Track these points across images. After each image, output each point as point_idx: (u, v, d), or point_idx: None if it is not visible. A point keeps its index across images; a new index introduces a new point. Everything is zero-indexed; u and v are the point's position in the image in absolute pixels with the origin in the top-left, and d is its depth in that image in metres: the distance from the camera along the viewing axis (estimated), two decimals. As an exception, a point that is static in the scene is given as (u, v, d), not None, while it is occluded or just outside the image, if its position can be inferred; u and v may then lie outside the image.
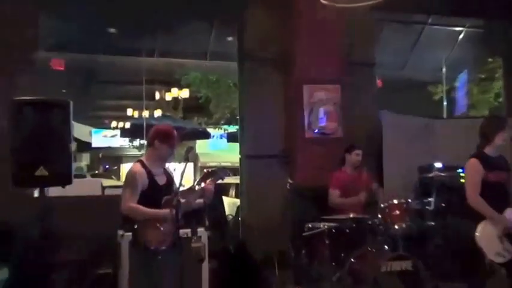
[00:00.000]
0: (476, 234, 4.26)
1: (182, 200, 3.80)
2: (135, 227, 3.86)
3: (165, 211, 3.84)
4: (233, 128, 19.63)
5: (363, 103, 7.00)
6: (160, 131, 4.14)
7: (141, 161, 4.07)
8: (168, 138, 4.06)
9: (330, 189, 6.04)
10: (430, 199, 5.52)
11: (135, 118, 20.29)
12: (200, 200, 4.05)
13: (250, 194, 6.72)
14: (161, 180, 4.06)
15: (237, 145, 7.57)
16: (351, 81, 6.86)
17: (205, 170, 4.33)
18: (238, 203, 7.39)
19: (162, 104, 20.18)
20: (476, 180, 4.31)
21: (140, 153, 22.25)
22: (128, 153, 29.14)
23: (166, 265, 3.81)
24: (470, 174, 4.38)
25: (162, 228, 3.81)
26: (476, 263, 4.30)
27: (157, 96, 19.32)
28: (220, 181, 4.18)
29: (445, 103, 16.75)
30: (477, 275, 4.42)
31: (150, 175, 4.00)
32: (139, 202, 3.93)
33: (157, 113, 19.36)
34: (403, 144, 6.84)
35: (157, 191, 3.97)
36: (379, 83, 8.92)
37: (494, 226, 4.28)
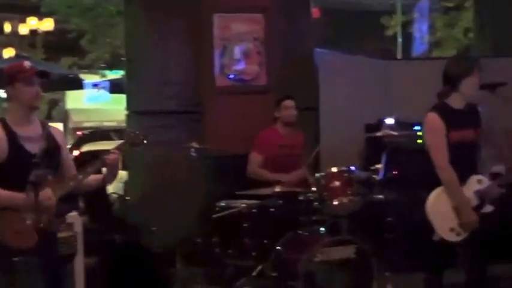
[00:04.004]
0: (427, 204, 4.48)
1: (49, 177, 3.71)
2: None
3: (20, 195, 3.70)
4: (117, 74, 19.31)
5: (294, 39, 7.08)
6: (6, 69, 3.98)
7: (1, 120, 3.90)
8: (18, 72, 3.86)
9: (251, 153, 6.17)
10: (378, 166, 5.73)
11: (-25, 61, 19.43)
12: (96, 177, 3.97)
13: (141, 164, 6.70)
14: (33, 146, 3.85)
15: (123, 97, 7.48)
16: (277, 10, 6.92)
17: (79, 133, 4.26)
18: (126, 178, 7.35)
19: (13, 40, 19.42)
20: (441, 142, 4.49)
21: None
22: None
23: (34, 270, 3.72)
24: (431, 134, 4.57)
25: (26, 218, 3.68)
26: (436, 247, 4.56)
27: (6, 28, 18.56)
28: (100, 147, 4.08)
29: (399, 40, 17.25)
30: (435, 263, 4.71)
31: (12, 139, 3.81)
32: None
33: (8, 53, 18.65)
34: (345, 94, 7.03)
35: (24, 162, 3.77)
36: (315, 12, 9.05)
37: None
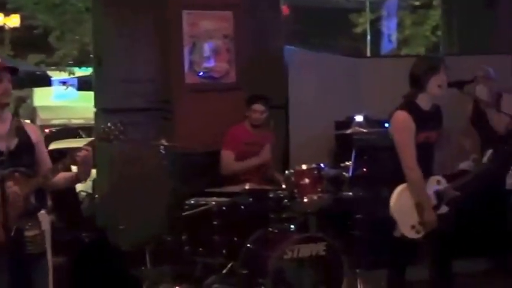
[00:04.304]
0: (391, 201, 4.51)
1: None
2: None
3: None
4: (86, 71, 19.16)
5: (263, 36, 7.09)
6: None
7: None
8: None
9: (222, 151, 6.17)
10: (347, 163, 5.76)
11: None
12: (66, 175, 3.90)
13: (111, 162, 6.66)
14: (2, 144, 3.79)
15: (91, 95, 7.41)
16: (246, 7, 6.93)
17: (46, 131, 4.18)
18: (94, 175, 7.29)
19: (-20, 36, 19.17)
20: (411, 141, 4.50)
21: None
22: None
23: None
24: (401, 133, 4.58)
25: None
26: (398, 244, 4.59)
27: (-27, 24, 18.29)
28: (68, 145, 3.99)
29: (368, 37, 17.35)
30: (397, 259, 4.75)
31: None
32: None
33: (-25, 49, 18.38)
34: (315, 91, 7.06)
35: None
36: (284, 9, 9.08)
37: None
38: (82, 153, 3.80)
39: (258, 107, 6.18)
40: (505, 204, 5.93)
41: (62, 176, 3.90)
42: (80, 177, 3.95)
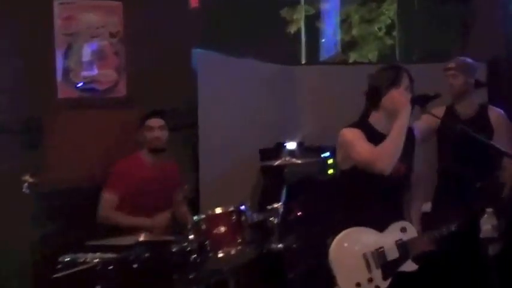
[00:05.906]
0: (330, 252, 4.55)
1: None
2: None
3: None
4: None
5: (165, 35, 7.08)
6: None
7: None
8: None
9: (103, 193, 6.14)
10: (276, 205, 5.74)
11: None
12: None
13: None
14: None
15: None
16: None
17: None
18: None
19: None
20: (362, 139, 4.58)
21: None
22: None
23: None
24: (350, 139, 4.63)
25: None
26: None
27: None
28: None
29: (304, 39, 17.58)
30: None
31: None
32: None
33: None
34: (233, 108, 7.10)
35: None
36: (193, 0, 9.10)
37: (360, 238, 4.58)
38: None
39: (155, 121, 6.19)
40: (481, 255, 6.01)
41: None
42: None
